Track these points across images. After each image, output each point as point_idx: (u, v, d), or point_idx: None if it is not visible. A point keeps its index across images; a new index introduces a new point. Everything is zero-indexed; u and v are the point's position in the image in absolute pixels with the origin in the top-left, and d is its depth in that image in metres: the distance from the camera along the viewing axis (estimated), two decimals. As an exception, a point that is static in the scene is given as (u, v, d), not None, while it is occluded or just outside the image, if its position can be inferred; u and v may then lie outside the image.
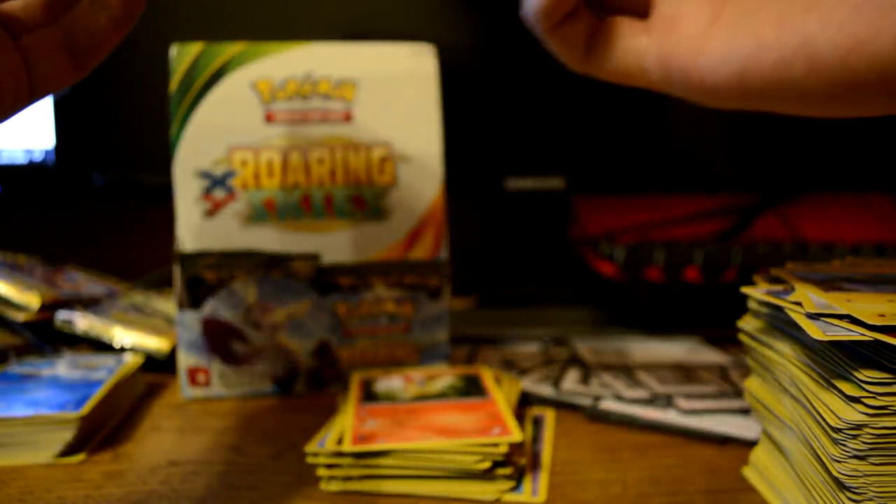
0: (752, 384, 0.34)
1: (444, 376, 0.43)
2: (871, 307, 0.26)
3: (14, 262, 0.61)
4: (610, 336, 0.58)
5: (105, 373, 0.44)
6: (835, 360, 0.26)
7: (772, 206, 0.66)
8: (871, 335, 0.25)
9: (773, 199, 0.67)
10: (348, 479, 0.34)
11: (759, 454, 0.34)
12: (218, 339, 0.46)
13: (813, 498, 0.28)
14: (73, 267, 0.68)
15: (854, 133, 0.61)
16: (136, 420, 0.43)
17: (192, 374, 0.46)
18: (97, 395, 0.40)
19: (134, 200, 0.62)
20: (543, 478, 0.35)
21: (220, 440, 0.40)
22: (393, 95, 0.47)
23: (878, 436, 0.25)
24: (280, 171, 0.46)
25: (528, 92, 0.60)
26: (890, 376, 0.25)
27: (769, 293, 0.31)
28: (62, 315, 0.53)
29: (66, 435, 0.37)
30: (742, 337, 0.35)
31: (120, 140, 0.61)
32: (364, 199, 0.46)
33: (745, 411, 0.42)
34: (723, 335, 0.55)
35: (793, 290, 0.30)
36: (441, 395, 0.40)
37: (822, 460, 0.27)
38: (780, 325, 0.31)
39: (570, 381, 0.47)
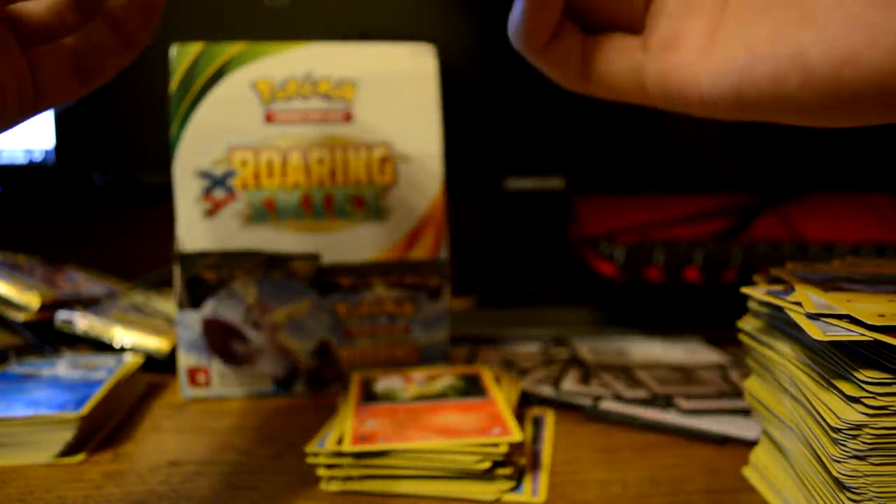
0: (752, 384, 0.34)
1: (444, 376, 0.43)
2: (871, 307, 0.26)
3: (14, 262, 0.61)
4: (610, 336, 0.58)
5: (105, 373, 0.44)
6: (835, 360, 0.26)
7: (772, 206, 0.66)
8: (871, 335, 0.25)
9: (773, 199, 0.67)
10: (348, 479, 0.34)
11: (759, 454, 0.34)
12: (218, 339, 0.46)
13: (813, 498, 0.28)
14: (73, 267, 0.68)
15: (854, 133, 0.61)
16: (136, 420, 0.43)
17: (192, 374, 0.46)
18: (97, 395, 0.40)
19: (134, 200, 0.62)
20: (543, 478, 0.35)
21: (220, 440, 0.40)
22: (393, 95, 0.47)
23: (878, 436, 0.25)
24: (280, 171, 0.46)
25: (528, 92, 0.60)
26: (890, 376, 0.25)
27: (769, 293, 0.31)
28: (62, 315, 0.53)
29: (66, 435, 0.37)
30: (742, 337, 0.35)
31: (120, 140, 0.61)
32: (364, 199, 0.46)
33: (745, 411, 0.42)
34: (723, 335, 0.56)
35: (793, 290, 0.30)
36: (441, 395, 0.40)
37: (822, 460, 0.27)
38: (780, 325, 0.31)
39: (570, 381, 0.47)
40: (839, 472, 0.25)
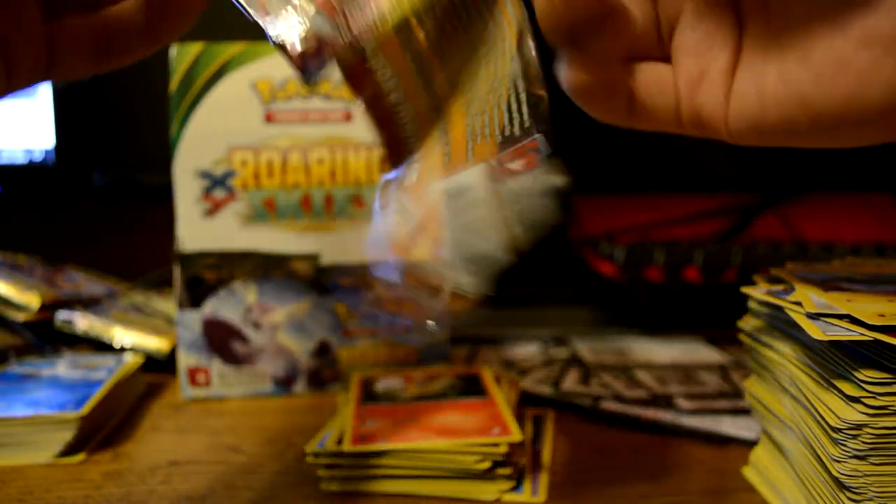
0: (752, 384, 0.34)
1: (444, 376, 0.43)
2: (871, 307, 0.26)
3: (14, 262, 0.61)
4: (610, 336, 0.58)
5: (105, 373, 0.44)
6: (835, 360, 0.26)
7: (772, 206, 0.66)
8: (871, 335, 0.25)
9: (773, 199, 0.67)
10: (348, 479, 0.34)
11: (759, 454, 0.34)
12: (218, 339, 0.46)
13: (813, 498, 0.28)
14: (73, 267, 0.68)
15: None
16: (136, 420, 0.43)
17: (192, 374, 0.46)
18: (97, 395, 0.40)
19: (134, 200, 0.62)
20: (543, 478, 0.35)
21: (220, 440, 0.40)
22: (393, 95, 0.47)
23: (878, 436, 0.25)
24: (280, 171, 0.46)
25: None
26: (890, 376, 0.25)
27: (769, 293, 0.31)
28: (62, 315, 0.53)
29: (66, 435, 0.37)
30: (742, 337, 0.35)
31: (120, 140, 0.61)
32: (364, 199, 0.46)
33: (745, 411, 0.41)
34: (723, 335, 0.55)
35: (793, 290, 0.30)
36: (441, 395, 0.40)
37: (822, 460, 0.27)
38: (780, 325, 0.31)
39: (570, 381, 0.47)
40: (839, 472, 0.25)
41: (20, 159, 0.62)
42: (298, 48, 0.24)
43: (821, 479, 0.27)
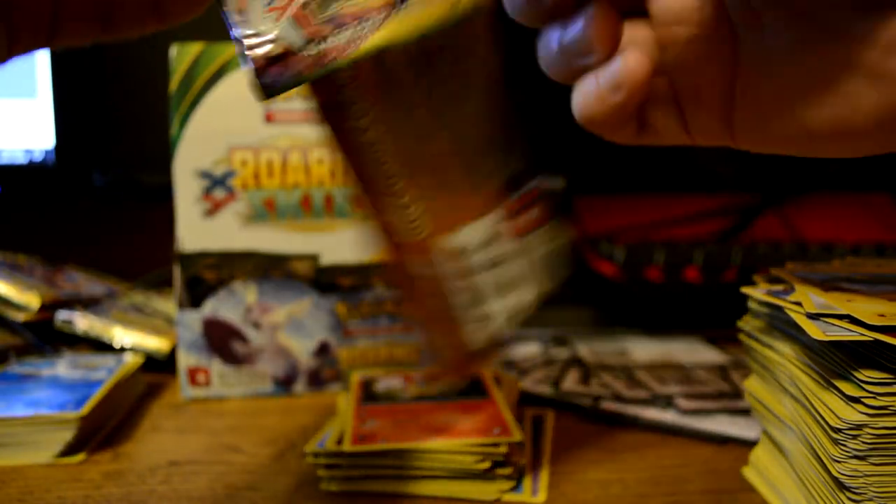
0: (752, 384, 0.34)
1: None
2: (871, 307, 0.26)
3: (14, 262, 0.61)
4: (610, 336, 0.58)
5: (105, 373, 0.44)
6: (835, 360, 0.26)
7: (772, 206, 0.66)
8: (871, 335, 0.25)
9: (773, 199, 0.67)
10: (348, 479, 0.34)
11: (759, 454, 0.34)
12: (218, 339, 0.46)
13: (813, 498, 0.28)
14: (73, 267, 0.68)
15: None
16: (136, 420, 0.43)
17: (192, 374, 0.46)
18: (97, 395, 0.40)
19: (134, 200, 0.62)
20: (543, 478, 0.35)
21: (220, 440, 0.40)
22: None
23: (878, 436, 0.25)
24: (280, 171, 0.46)
25: (528, 92, 0.60)
26: (890, 376, 0.25)
27: (769, 293, 0.31)
28: (62, 315, 0.53)
29: (66, 435, 0.37)
30: (742, 337, 0.35)
31: (120, 140, 0.61)
32: (364, 199, 0.46)
33: (745, 411, 0.41)
34: (723, 335, 0.55)
35: (793, 290, 0.30)
36: (441, 395, 0.40)
37: (822, 460, 0.27)
38: (780, 325, 0.31)
39: (570, 381, 0.47)
40: (839, 472, 0.25)
41: (20, 159, 0.62)
42: (260, 52, 0.23)
43: (821, 479, 0.27)
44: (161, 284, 0.68)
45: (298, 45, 0.23)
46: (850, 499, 0.26)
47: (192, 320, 0.46)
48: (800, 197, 0.67)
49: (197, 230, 0.45)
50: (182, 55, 0.45)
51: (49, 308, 0.54)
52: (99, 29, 0.27)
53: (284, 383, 0.47)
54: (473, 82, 0.29)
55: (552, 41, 0.26)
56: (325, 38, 0.24)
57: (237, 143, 0.45)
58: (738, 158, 0.65)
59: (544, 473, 0.35)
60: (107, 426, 0.41)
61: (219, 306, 0.46)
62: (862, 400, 0.25)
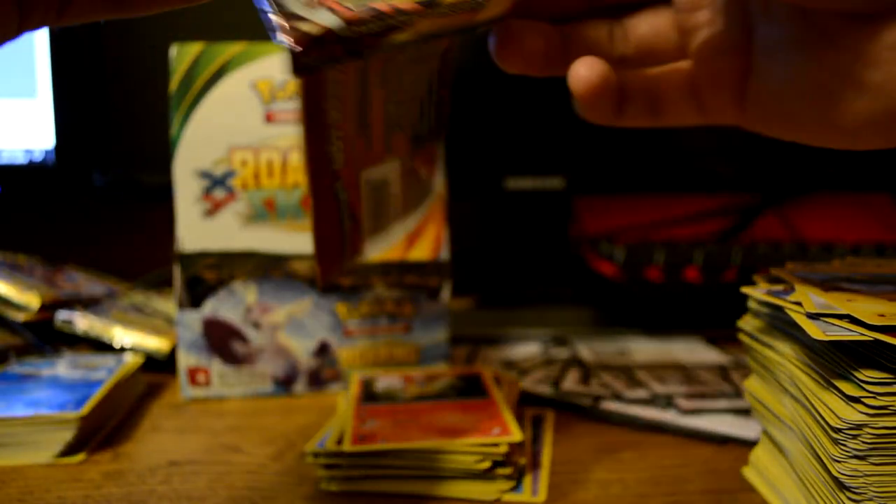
0: (752, 384, 0.34)
1: (444, 376, 0.43)
2: (871, 307, 0.26)
3: (14, 262, 0.61)
4: (610, 336, 0.58)
5: (105, 373, 0.44)
6: (835, 360, 0.26)
7: (772, 206, 0.66)
8: (871, 335, 0.25)
9: (773, 199, 0.67)
10: (348, 479, 0.34)
11: (759, 454, 0.34)
12: (218, 339, 0.46)
13: (813, 498, 0.28)
14: (73, 267, 0.68)
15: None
16: (136, 420, 0.43)
17: (192, 374, 0.46)
18: (97, 395, 0.40)
19: (134, 200, 0.62)
20: (543, 478, 0.35)
21: (220, 440, 0.40)
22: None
23: (878, 436, 0.25)
24: (280, 171, 0.46)
25: (528, 92, 0.60)
26: (890, 376, 0.25)
27: (769, 293, 0.31)
28: (62, 315, 0.53)
29: (66, 435, 0.37)
30: (742, 337, 0.35)
31: (120, 140, 0.61)
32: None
33: (745, 411, 0.41)
34: (723, 335, 0.55)
35: (793, 290, 0.30)
36: (441, 395, 0.40)
37: (822, 460, 0.27)
38: (780, 325, 0.31)
39: (570, 381, 0.47)
40: (839, 472, 0.25)
41: (20, 159, 0.62)
42: (299, 31, 0.23)
43: (821, 479, 0.27)
44: (161, 284, 0.68)
45: (339, 27, 0.23)
46: (850, 499, 0.26)
47: (192, 320, 0.46)
48: (800, 197, 0.67)
49: (197, 230, 0.45)
50: (182, 55, 0.45)
51: (49, 308, 0.54)
52: (110, 5, 0.27)
53: (284, 383, 0.47)
54: (428, 50, 0.30)
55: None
56: (362, 23, 0.24)
57: (237, 143, 0.45)
58: (738, 158, 0.65)
59: (544, 473, 0.35)
60: (107, 426, 0.41)
61: (219, 306, 0.46)
62: (862, 400, 0.25)
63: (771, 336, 0.32)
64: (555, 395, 0.45)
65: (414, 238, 0.46)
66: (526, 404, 0.44)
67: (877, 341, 0.25)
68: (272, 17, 0.23)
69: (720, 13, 0.27)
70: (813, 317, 0.27)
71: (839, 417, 0.25)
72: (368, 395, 0.40)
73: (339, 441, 0.34)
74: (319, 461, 0.34)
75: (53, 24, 0.26)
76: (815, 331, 0.26)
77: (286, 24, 0.23)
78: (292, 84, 0.46)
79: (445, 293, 0.48)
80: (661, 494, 0.33)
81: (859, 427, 0.25)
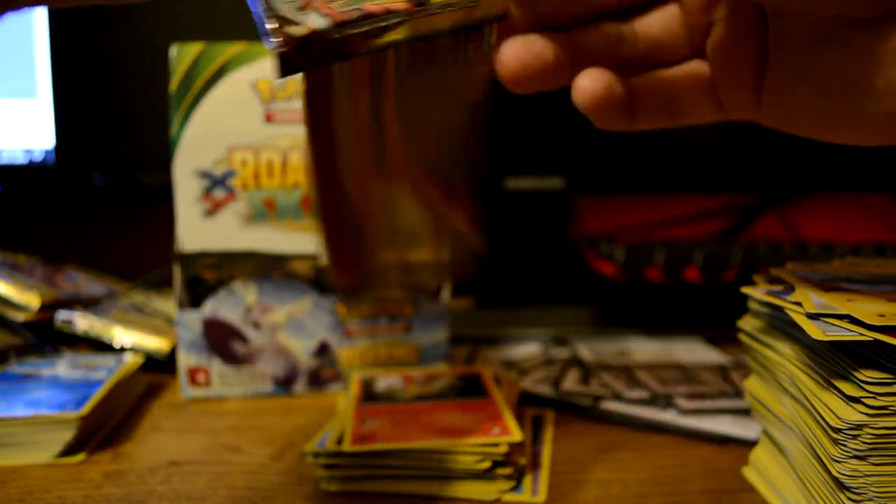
0: (752, 384, 0.34)
1: (444, 376, 0.43)
2: (871, 307, 0.26)
3: (14, 262, 0.61)
4: (610, 336, 0.58)
5: (105, 373, 0.44)
6: (835, 360, 0.26)
7: (772, 206, 0.66)
8: (871, 335, 0.25)
9: (773, 199, 0.67)
10: (348, 479, 0.34)
11: (759, 454, 0.34)
12: (218, 339, 0.46)
13: (813, 498, 0.28)
14: (73, 267, 0.68)
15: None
16: (136, 420, 0.43)
17: (192, 374, 0.46)
18: (97, 395, 0.40)
19: (134, 200, 0.62)
20: (543, 478, 0.35)
21: (220, 440, 0.40)
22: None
23: (878, 436, 0.25)
24: (280, 171, 0.46)
25: (529, 95, 0.60)
26: (890, 376, 0.25)
27: (769, 293, 0.31)
28: (62, 315, 0.53)
29: (66, 435, 0.37)
30: (742, 337, 0.35)
31: (120, 140, 0.61)
32: (364, 199, 0.46)
33: (745, 411, 0.41)
34: (723, 335, 0.55)
35: (793, 290, 0.30)
36: (441, 395, 0.40)
37: (822, 460, 0.27)
38: (780, 325, 0.31)
39: (570, 381, 0.47)
40: (839, 472, 0.25)
41: (20, 159, 0.62)
42: (285, 33, 0.23)
43: (821, 479, 0.27)
44: (161, 284, 0.68)
45: (325, 28, 0.24)
46: (850, 499, 0.26)
47: (192, 320, 0.46)
48: (800, 197, 0.67)
49: (197, 230, 0.45)
50: (182, 55, 0.45)
51: (49, 308, 0.54)
52: None
53: (284, 383, 0.47)
54: (456, 91, 0.30)
55: None
56: (350, 26, 0.24)
57: (237, 143, 0.45)
58: (738, 158, 0.65)
59: (544, 473, 0.35)
60: (107, 426, 0.41)
61: (219, 306, 0.46)
62: (862, 400, 0.25)
63: (771, 336, 0.32)
64: (555, 395, 0.45)
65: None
66: (526, 404, 0.44)
67: (877, 341, 0.25)
68: (261, 19, 0.24)
69: (733, 10, 0.26)
70: (813, 317, 0.27)
71: (839, 417, 0.25)
72: (368, 395, 0.40)
73: (339, 441, 0.34)
74: (319, 461, 0.34)
75: (44, 4, 0.26)
76: (815, 331, 0.26)
77: (274, 27, 0.23)
78: (292, 84, 0.46)
79: (445, 293, 0.48)
80: (661, 494, 0.33)
81: (859, 427, 0.25)
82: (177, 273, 0.45)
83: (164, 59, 0.45)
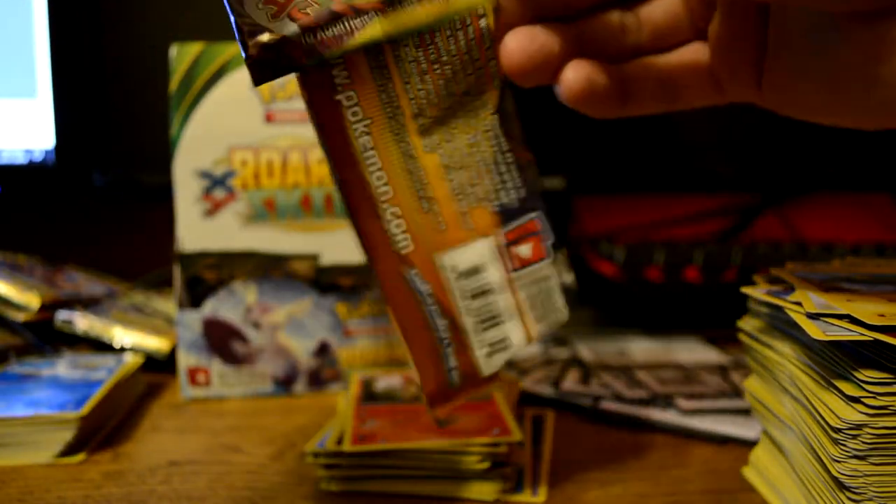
0: (752, 384, 0.34)
1: (444, 376, 0.43)
2: (871, 307, 0.26)
3: (14, 262, 0.61)
4: (610, 336, 0.58)
5: (105, 373, 0.44)
6: (835, 360, 0.26)
7: (772, 206, 0.66)
8: (871, 335, 0.25)
9: (773, 199, 0.67)
10: (348, 479, 0.34)
11: (759, 454, 0.34)
12: (218, 339, 0.46)
13: (813, 498, 0.28)
14: (73, 267, 0.68)
15: (854, 133, 0.61)
16: (136, 420, 0.43)
17: (192, 374, 0.46)
18: (97, 395, 0.40)
19: (134, 200, 0.62)
20: (543, 478, 0.35)
21: (220, 440, 0.40)
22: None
23: (878, 436, 0.25)
24: (280, 171, 0.46)
25: (528, 91, 0.60)
26: (890, 376, 0.25)
27: (769, 293, 0.31)
28: (62, 315, 0.53)
29: (66, 435, 0.37)
30: (742, 337, 0.35)
31: (120, 140, 0.61)
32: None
33: (745, 411, 0.41)
34: (723, 335, 0.55)
35: (793, 290, 0.30)
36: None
37: (822, 460, 0.27)
38: (780, 325, 0.31)
39: (570, 381, 0.47)
40: (839, 472, 0.25)
41: (20, 159, 0.62)
42: (255, 39, 0.24)
43: (821, 479, 0.27)
44: (161, 284, 0.68)
45: (293, 33, 0.24)
46: (850, 499, 0.26)
47: (192, 320, 0.46)
48: (800, 197, 0.67)
49: (197, 230, 0.45)
50: (182, 55, 0.45)
51: (49, 308, 0.54)
52: None
53: (284, 383, 0.47)
54: (474, 101, 0.28)
55: None
56: (320, 28, 0.24)
57: (237, 143, 0.45)
58: (738, 158, 0.65)
59: (544, 473, 0.35)
60: (107, 426, 0.41)
61: (219, 306, 0.46)
62: (862, 400, 0.25)
63: (771, 336, 0.32)
64: (555, 395, 0.45)
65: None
66: (526, 404, 0.44)
67: (877, 341, 0.25)
68: (235, 27, 0.24)
69: None
70: (813, 317, 0.27)
71: (839, 417, 0.25)
72: (368, 395, 0.40)
73: (339, 441, 0.34)
74: (319, 461, 0.34)
75: None
76: (815, 331, 0.26)
77: (244, 35, 0.23)
78: (292, 84, 0.46)
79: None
80: (661, 494, 0.33)
81: (859, 427, 0.25)
82: (177, 273, 0.45)
83: (164, 59, 0.45)
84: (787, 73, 0.26)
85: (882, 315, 0.25)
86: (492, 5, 0.26)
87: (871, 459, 0.25)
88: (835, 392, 0.26)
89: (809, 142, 0.62)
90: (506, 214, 0.29)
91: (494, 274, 0.29)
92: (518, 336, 0.30)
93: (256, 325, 0.46)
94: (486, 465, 0.32)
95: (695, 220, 0.65)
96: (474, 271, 0.29)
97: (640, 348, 0.55)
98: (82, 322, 0.53)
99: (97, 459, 0.37)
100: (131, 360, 0.46)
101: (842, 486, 0.26)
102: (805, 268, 0.33)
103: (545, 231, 0.30)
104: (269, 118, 0.46)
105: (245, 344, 0.46)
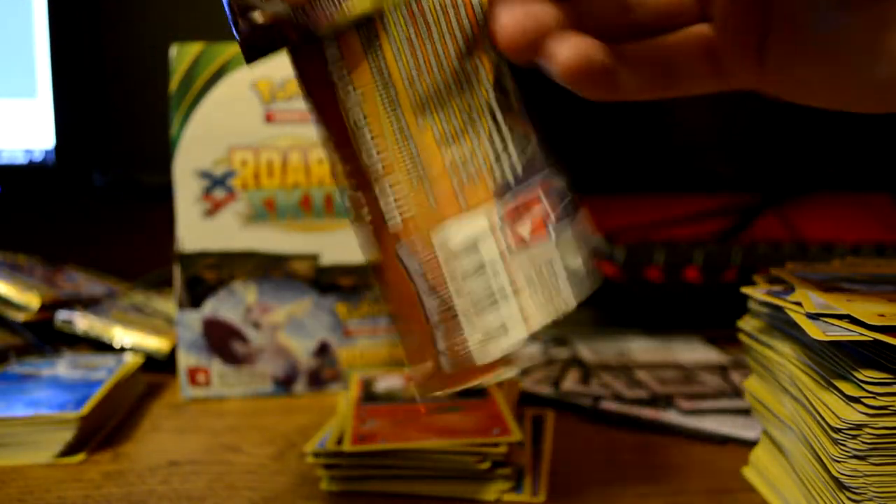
0: (752, 384, 0.34)
1: (444, 376, 0.43)
2: (871, 307, 0.26)
3: (14, 262, 0.61)
4: (610, 336, 0.58)
5: (105, 373, 0.44)
6: (835, 360, 0.26)
7: (772, 206, 0.66)
8: (871, 335, 0.25)
9: (773, 199, 0.67)
10: (348, 479, 0.34)
11: (759, 454, 0.34)
12: (218, 339, 0.46)
13: (813, 498, 0.28)
14: (73, 267, 0.68)
15: (854, 133, 0.61)
16: (136, 420, 0.43)
17: (192, 374, 0.46)
18: (97, 395, 0.40)
19: (134, 200, 0.62)
20: (543, 478, 0.35)
21: (220, 440, 0.40)
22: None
23: (878, 436, 0.25)
24: (280, 171, 0.46)
25: (528, 91, 0.60)
26: (890, 376, 0.25)
27: (769, 293, 0.31)
28: (62, 315, 0.53)
29: (66, 435, 0.37)
30: (742, 337, 0.35)
31: (120, 140, 0.61)
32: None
33: (745, 411, 0.41)
34: (723, 335, 0.55)
35: (793, 290, 0.30)
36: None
37: (822, 460, 0.27)
38: (780, 325, 0.31)
39: (570, 381, 0.47)
40: (839, 472, 0.25)
41: (20, 159, 0.62)
42: (246, 17, 0.24)
43: (821, 479, 0.27)
44: (161, 284, 0.68)
45: (283, 10, 0.24)
46: (850, 499, 0.26)
47: (192, 320, 0.46)
48: (800, 197, 0.67)
49: (197, 230, 0.45)
50: (182, 55, 0.45)
51: (49, 308, 0.54)
52: None
53: (284, 383, 0.47)
54: (469, 76, 0.27)
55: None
56: (310, 5, 0.24)
57: (237, 143, 0.45)
58: (738, 158, 0.65)
59: (544, 473, 0.35)
60: (107, 426, 0.41)
61: (219, 306, 0.46)
62: (862, 400, 0.25)
63: (771, 336, 0.32)
64: (555, 395, 0.45)
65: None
66: (526, 404, 0.44)
67: (877, 341, 0.25)
68: (227, 6, 0.24)
69: None
70: (813, 317, 0.27)
71: (839, 417, 0.25)
72: (368, 395, 0.40)
73: (339, 441, 0.34)
74: (319, 461, 0.34)
75: None
76: (815, 331, 0.26)
77: (236, 13, 0.24)
78: (292, 84, 0.46)
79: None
80: (661, 494, 0.33)
81: (859, 427, 0.25)
82: (177, 273, 0.45)
83: (164, 59, 0.45)
84: (792, 50, 0.26)
85: (882, 315, 0.25)
86: None
87: (871, 459, 0.25)
88: (835, 392, 0.26)
89: (809, 142, 0.62)
90: (503, 191, 0.28)
91: (489, 253, 0.27)
92: (516, 323, 0.28)
93: (256, 325, 0.46)
94: (486, 465, 0.32)
95: (695, 220, 0.65)
96: (468, 250, 0.27)
97: (640, 348, 0.55)
98: (82, 322, 0.53)
99: (97, 459, 0.37)
100: (131, 360, 0.46)
101: (842, 486, 0.26)
102: (805, 268, 0.33)
103: (553, 208, 0.29)
104: (269, 118, 0.46)
105: (245, 344, 0.46)
